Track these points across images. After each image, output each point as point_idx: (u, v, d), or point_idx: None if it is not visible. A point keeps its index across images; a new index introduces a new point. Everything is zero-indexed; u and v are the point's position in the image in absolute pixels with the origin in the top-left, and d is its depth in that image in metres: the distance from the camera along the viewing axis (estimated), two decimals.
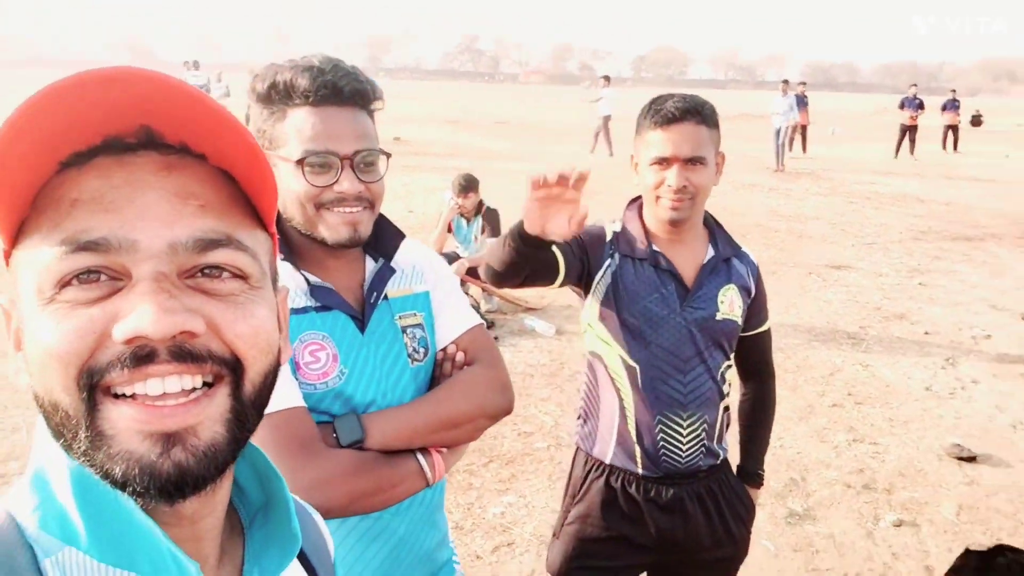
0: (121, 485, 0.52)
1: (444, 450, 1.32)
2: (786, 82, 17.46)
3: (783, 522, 3.48)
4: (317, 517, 0.83)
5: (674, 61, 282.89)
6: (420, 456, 1.27)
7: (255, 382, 0.58)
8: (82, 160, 0.54)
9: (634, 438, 1.84)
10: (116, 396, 0.52)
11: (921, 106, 19.55)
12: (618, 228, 1.88)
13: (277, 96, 1.22)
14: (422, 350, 1.37)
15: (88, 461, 0.53)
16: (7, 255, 0.57)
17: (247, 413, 0.57)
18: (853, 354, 5.66)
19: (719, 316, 1.82)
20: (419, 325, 1.38)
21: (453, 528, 3.30)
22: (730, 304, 1.84)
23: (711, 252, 1.86)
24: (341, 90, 1.22)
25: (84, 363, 0.51)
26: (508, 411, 1.39)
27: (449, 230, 6.25)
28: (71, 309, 0.52)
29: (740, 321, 1.86)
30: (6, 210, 0.53)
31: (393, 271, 1.37)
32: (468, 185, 6.04)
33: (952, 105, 20.68)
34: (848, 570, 3.15)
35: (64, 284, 0.52)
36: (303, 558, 0.74)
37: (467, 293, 6.10)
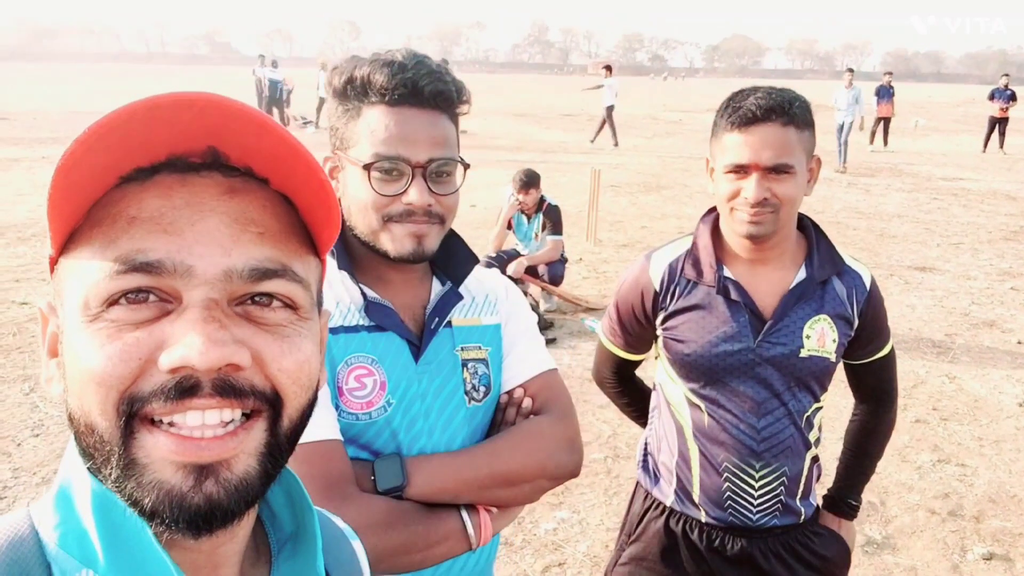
0: (149, 516, 0.51)
1: (494, 510, 1.16)
2: (851, 71, 16.18)
3: (860, 551, 3.21)
4: (354, 541, 0.79)
5: (748, 51, 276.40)
6: (465, 514, 1.12)
7: (292, 418, 0.57)
8: (144, 176, 0.53)
9: (696, 485, 1.63)
10: (153, 422, 0.51)
11: (1013, 97, 18.34)
12: (682, 250, 1.66)
13: (353, 92, 1.12)
14: (483, 388, 1.23)
15: (117, 488, 0.52)
16: (52, 262, 0.56)
17: (281, 448, 0.57)
18: (938, 365, 5.28)
19: (804, 353, 1.56)
20: (483, 360, 1.24)
21: (501, 544, 3.15)
22: (820, 338, 1.57)
23: (801, 274, 1.59)
24: (421, 90, 1.09)
25: (126, 389, 0.50)
26: (574, 474, 1.23)
27: (509, 227, 6.10)
28: (117, 330, 0.51)
29: (834, 357, 1.60)
30: (60, 219, 0.53)
31: (460, 297, 1.24)
32: (529, 181, 5.87)
33: (1003, 95, 18.49)
34: None
35: (112, 302, 0.51)
36: None
37: (526, 292, 5.94)
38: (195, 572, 0.57)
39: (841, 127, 15.38)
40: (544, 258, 5.94)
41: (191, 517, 0.51)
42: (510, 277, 5.75)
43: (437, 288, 1.25)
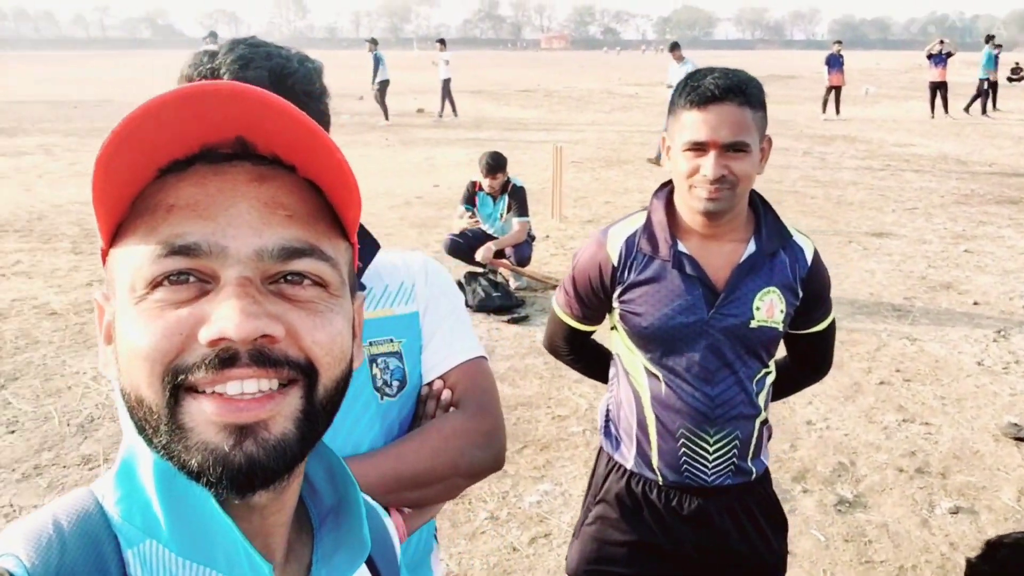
0: (196, 476, 0.54)
1: (407, 510, 1.14)
2: (675, 47, 12.88)
3: (833, 510, 3.33)
4: (384, 516, 0.83)
5: (699, 21, 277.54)
6: None
7: (327, 387, 0.59)
8: (181, 168, 0.57)
9: (654, 450, 1.69)
10: (197, 392, 0.54)
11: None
12: (638, 225, 1.69)
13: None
14: (396, 383, 1.17)
15: (167, 453, 0.55)
16: (104, 254, 0.60)
17: (318, 415, 0.59)
18: (899, 327, 5.44)
19: (754, 324, 1.61)
20: (395, 353, 1.17)
21: (488, 518, 3.21)
22: (769, 309, 1.62)
23: (752, 247, 1.64)
24: (220, 79, 1.02)
25: (170, 362, 0.54)
26: (494, 468, 1.19)
27: (474, 205, 6.11)
28: (161, 309, 0.54)
29: (782, 326, 1.65)
30: (107, 213, 0.56)
31: (361, 288, 1.16)
32: (495, 165, 5.87)
33: (940, 60, 18.70)
34: (904, 562, 2.99)
35: (156, 284, 0.55)
36: (369, 561, 0.75)
37: (497, 273, 5.96)
38: (249, 540, 0.60)
39: None
40: (511, 240, 5.95)
41: (234, 475, 0.54)
42: (479, 263, 5.78)
43: None
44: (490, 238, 6.04)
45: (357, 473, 1.06)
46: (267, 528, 0.62)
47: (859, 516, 3.29)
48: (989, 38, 20.02)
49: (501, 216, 6.08)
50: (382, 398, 1.15)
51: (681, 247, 1.63)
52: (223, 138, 0.56)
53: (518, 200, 5.99)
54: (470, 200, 6.17)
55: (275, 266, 0.57)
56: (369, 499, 0.82)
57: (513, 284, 6.04)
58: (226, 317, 0.53)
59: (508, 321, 5.43)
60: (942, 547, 3.08)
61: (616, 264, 1.68)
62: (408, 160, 12.39)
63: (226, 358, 0.53)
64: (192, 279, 0.55)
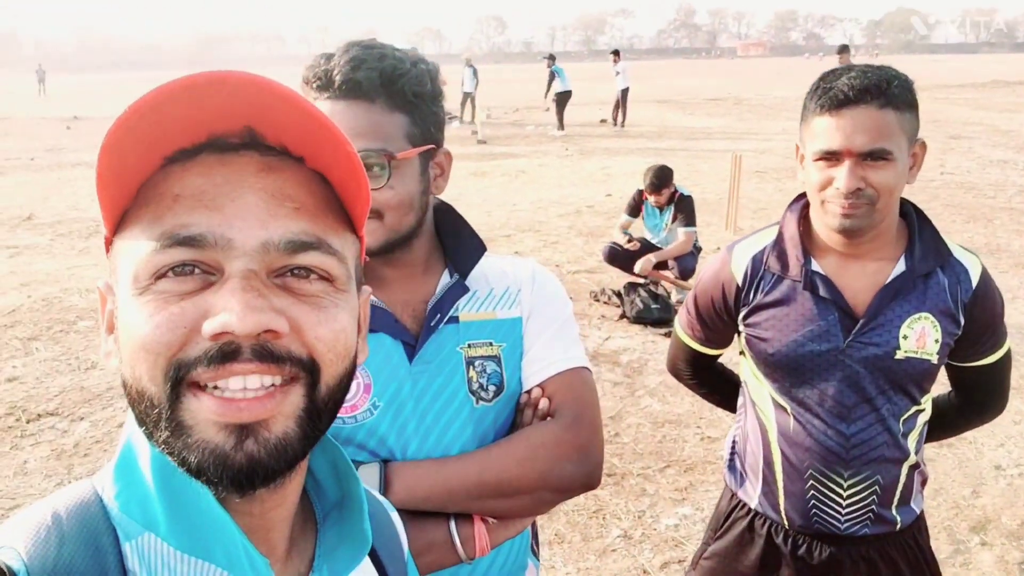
0: (196, 473, 0.54)
1: (493, 520, 1.10)
2: (844, 51, 14.74)
3: (1016, 569, 2.93)
4: (391, 511, 0.82)
5: (914, 24, 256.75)
6: (454, 524, 1.07)
7: (329, 385, 0.59)
8: (187, 157, 0.56)
9: (780, 491, 1.54)
10: (199, 387, 0.54)
11: None
12: (767, 241, 1.56)
13: (305, 91, 1.10)
14: (492, 388, 1.15)
15: (167, 449, 0.55)
16: (108, 242, 0.60)
17: (320, 412, 0.58)
18: None
19: (900, 355, 1.43)
20: (494, 358, 1.16)
21: (620, 536, 3.12)
22: (919, 338, 1.43)
23: (900, 267, 1.45)
24: (332, 80, 1.06)
25: (173, 356, 0.53)
26: (589, 486, 1.13)
27: (639, 215, 5.99)
28: (164, 301, 0.54)
29: (936, 359, 1.46)
30: (111, 201, 0.56)
31: (466, 290, 1.16)
32: (659, 183, 5.71)
33: None
34: None
35: (160, 275, 0.54)
36: (373, 554, 0.74)
37: (658, 284, 5.80)
38: (249, 535, 0.59)
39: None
40: (674, 252, 5.75)
41: (234, 475, 0.54)
42: (637, 275, 5.65)
43: (445, 281, 1.17)
44: (652, 248, 5.89)
45: (440, 475, 1.08)
46: (267, 523, 0.62)
47: None
48: None
49: (666, 227, 5.92)
50: (477, 402, 1.14)
51: (815, 266, 1.49)
52: (231, 128, 0.56)
53: (685, 210, 5.80)
54: (635, 210, 6.05)
55: (281, 259, 0.56)
56: (376, 495, 0.82)
57: (674, 297, 5.86)
58: (230, 310, 0.52)
59: (664, 334, 5.28)
60: None
61: (741, 284, 1.56)
62: (584, 169, 12.42)
63: (228, 352, 0.53)
64: (196, 271, 0.55)
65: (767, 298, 1.52)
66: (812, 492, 1.51)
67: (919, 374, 1.46)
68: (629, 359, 4.93)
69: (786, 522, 1.56)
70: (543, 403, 1.15)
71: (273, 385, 0.55)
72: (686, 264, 5.81)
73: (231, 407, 0.53)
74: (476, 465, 1.08)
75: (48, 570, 0.54)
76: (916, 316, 1.44)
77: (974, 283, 1.47)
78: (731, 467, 1.72)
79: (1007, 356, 1.56)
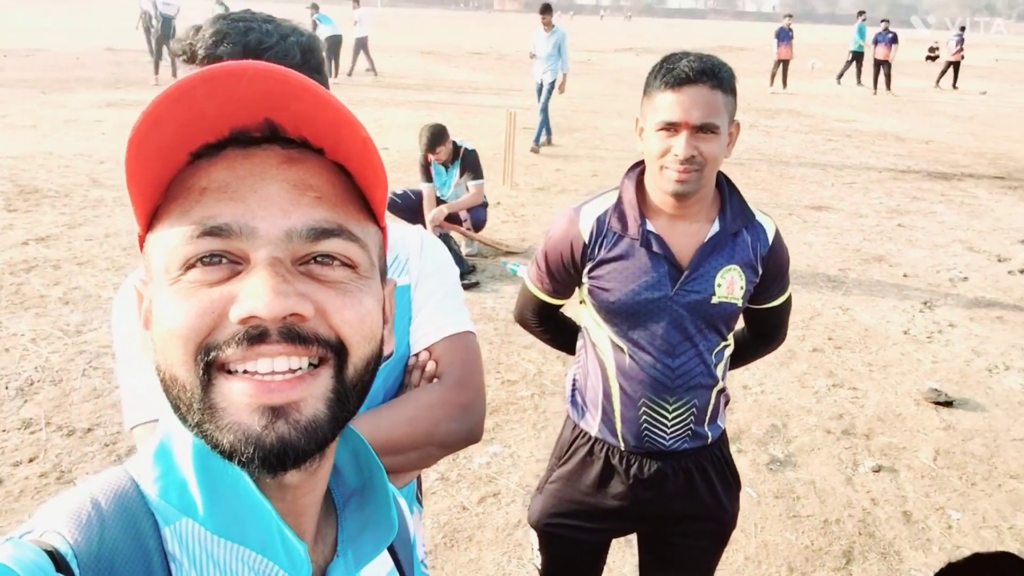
0: (228, 455, 0.56)
1: None
2: (547, 10, 10.54)
3: (765, 469, 3.53)
4: (401, 499, 0.85)
5: None
6: None
7: (357, 367, 0.60)
8: (212, 152, 0.58)
9: (617, 418, 1.80)
10: (229, 372, 0.55)
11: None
12: (608, 204, 1.77)
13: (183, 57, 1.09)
14: None
15: (200, 432, 0.56)
16: (142, 240, 0.61)
17: (348, 395, 0.60)
18: (833, 297, 5.69)
19: (715, 300, 1.71)
20: None
21: (438, 479, 3.31)
22: (729, 286, 1.72)
23: (715, 227, 1.72)
24: (195, 55, 1.06)
25: (202, 340, 0.55)
26: (471, 440, 1.22)
27: (429, 175, 6.11)
28: (194, 290, 0.56)
29: (741, 302, 1.76)
30: (142, 198, 0.58)
31: None
32: (435, 140, 5.83)
33: (884, 38, 19.54)
34: (828, 516, 3.21)
35: (189, 266, 0.56)
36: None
37: (449, 238, 6.00)
38: (282, 519, 0.61)
39: (540, 87, 10.74)
40: (466, 204, 5.97)
41: (265, 455, 0.55)
42: (434, 224, 5.79)
43: None
44: (442, 203, 6.06)
45: None
46: (299, 508, 0.64)
47: (789, 474, 3.49)
48: (860, 13, 20.85)
49: (455, 183, 6.09)
50: None
51: (649, 226, 1.70)
52: (251, 121, 0.57)
53: (471, 164, 6.00)
54: (427, 174, 6.10)
55: (305, 247, 0.58)
56: (391, 486, 0.86)
57: (465, 250, 6.10)
58: (256, 295, 0.54)
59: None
60: (864, 502, 3.31)
61: (587, 241, 1.74)
62: None
63: (256, 335, 0.54)
64: (224, 260, 0.56)
65: (609, 254, 1.72)
66: (644, 417, 1.76)
67: (728, 315, 1.75)
68: None
69: (622, 444, 1.81)
70: (430, 366, 1.22)
71: (301, 369, 0.57)
72: (478, 216, 6.05)
73: (263, 388, 0.55)
74: (367, 426, 1.13)
75: (94, 554, 0.55)
76: (727, 268, 1.72)
77: (770, 241, 1.77)
78: (573, 402, 1.94)
79: (789, 299, 1.91)
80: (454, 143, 6.00)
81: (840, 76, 22.11)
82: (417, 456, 1.18)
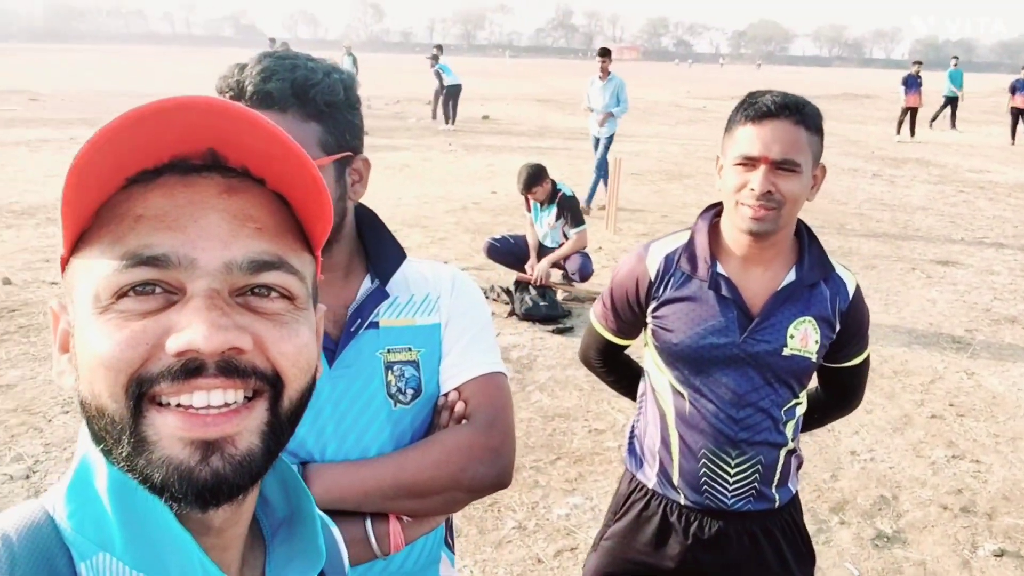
0: (159, 491, 0.54)
1: (407, 519, 1.14)
2: (606, 54, 9.85)
3: (869, 544, 3.24)
4: (333, 527, 0.83)
5: (775, 36, 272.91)
6: (369, 522, 1.11)
7: (292, 399, 0.59)
8: (149, 178, 0.56)
9: (675, 469, 1.70)
10: (161, 405, 0.54)
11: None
12: (680, 243, 1.71)
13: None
14: (410, 391, 1.18)
15: (128, 466, 0.54)
16: (64, 262, 0.59)
17: (282, 427, 0.59)
18: (957, 360, 5.26)
19: (787, 352, 1.61)
20: (412, 362, 1.19)
21: (515, 528, 3.22)
22: (803, 338, 1.62)
23: (791, 276, 1.64)
24: (244, 91, 1.07)
25: (135, 372, 0.53)
26: (499, 486, 1.18)
27: (529, 208, 6.15)
28: (125, 320, 0.54)
29: (815, 357, 1.65)
30: (71, 221, 0.56)
31: (386, 296, 1.20)
32: (531, 180, 5.85)
33: (1022, 86, 18.10)
34: None
35: (121, 295, 0.54)
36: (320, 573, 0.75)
37: (549, 286, 5.93)
38: (206, 553, 0.59)
39: (596, 143, 9.71)
40: (569, 251, 5.91)
41: (199, 491, 0.54)
42: (539, 282, 5.74)
43: (366, 287, 1.20)
44: (545, 250, 6.04)
45: (357, 477, 1.09)
46: (223, 542, 0.62)
47: (897, 552, 3.19)
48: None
49: (548, 224, 6.07)
50: (395, 405, 1.17)
51: (720, 269, 1.64)
52: (194, 149, 0.57)
53: (570, 210, 5.97)
54: (528, 208, 6.16)
55: (243, 278, 0.57)
56: (320, 512, 0.83)
57: (561, 295, 6.05)
58: (194, 328, 0.53)
59: (553, 331, 5.44)
60: None
61: (653, 279, 1.70)
62: (468, 166, 12.49)
63: (192, 368, 0.53)
64: (159, 290, 0.55)
65: (676, 294, 1.66)
66: (704, 470, 1.66)
67: (800, 370, 1.64)
68: (519, 355, 5.06)
69: (681, 499, 1.70)
70: (459, 406, 1.19)
71: (236, 402, 0.56)
72: (586, 268, 5.96)
73: (197, 422, 0.54)
74: (392, 467, 1.11)
75: None
76: (801, 319, 1.62)
77: (850, 297, 1.68)
78: (631, 451, 1.85)
79: (867, 359, 1.79)
80: (553, 183, 5.99)
81: (933, 120, 21.23)
82: (442, 500, 1.14)
